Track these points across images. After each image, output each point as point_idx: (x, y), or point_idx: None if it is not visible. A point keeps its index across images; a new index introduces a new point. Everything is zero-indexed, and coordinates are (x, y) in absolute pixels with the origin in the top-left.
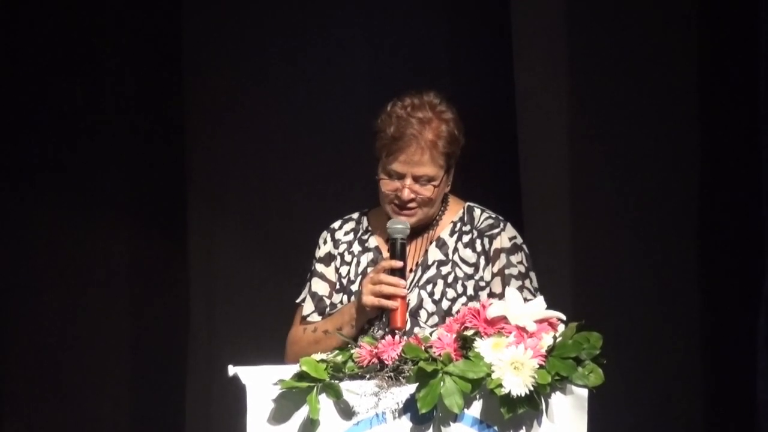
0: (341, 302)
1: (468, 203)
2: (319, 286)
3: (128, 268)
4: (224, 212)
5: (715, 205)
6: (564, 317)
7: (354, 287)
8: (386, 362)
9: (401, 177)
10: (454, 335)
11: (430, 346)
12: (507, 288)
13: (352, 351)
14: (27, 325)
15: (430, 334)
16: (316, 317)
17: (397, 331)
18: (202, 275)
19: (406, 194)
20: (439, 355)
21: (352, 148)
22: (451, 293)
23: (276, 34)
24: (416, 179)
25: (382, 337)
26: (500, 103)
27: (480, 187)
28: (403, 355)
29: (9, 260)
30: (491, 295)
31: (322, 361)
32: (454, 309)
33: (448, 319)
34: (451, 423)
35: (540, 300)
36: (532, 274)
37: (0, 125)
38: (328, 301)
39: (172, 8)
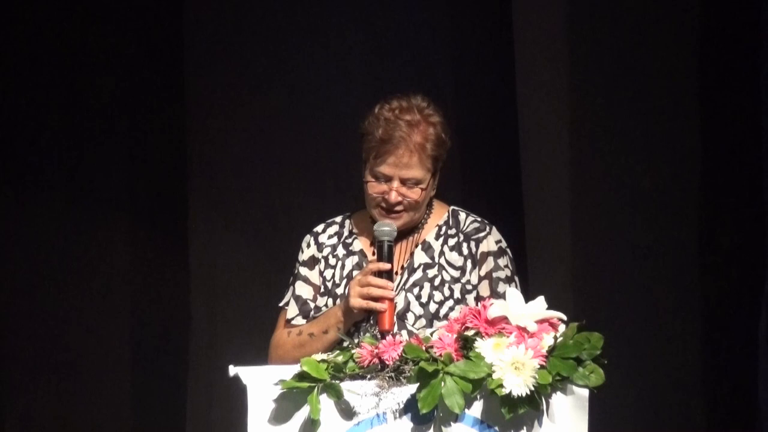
0: (326, 305)
1: (452, 207)
2: (303, 290)
3: (128, 268)
4: (225, 212)
5: (715, 205)
6: (565, 317)
7: (339, 290)
8: (387, 362)
9: (389, 180)
10: (455, 335)
11: (431, 347)
12: (508, 288)
13: (353, 351)
14: (27, 325)
15: (431, 334)
16: (300, 320)
17: (385, 334)
18: (202, 275)
19: (394, 197)
20: (440, 355)
21: (353, 149)
22: (438, 296)
23: (277, 35)
24: (403, 182)
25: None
26: (500, 103)
27: (480, 188)
28: (403, 355)
29: (9, 260)
30: (478, 298)
31: (323, 361)
32: (442, 312)
33: (435, 322)
34: (451, 423)
35: (541, 300)
36: (517, 278)
37: (0, 126)
38: (312, 305)
39: (172, 9)
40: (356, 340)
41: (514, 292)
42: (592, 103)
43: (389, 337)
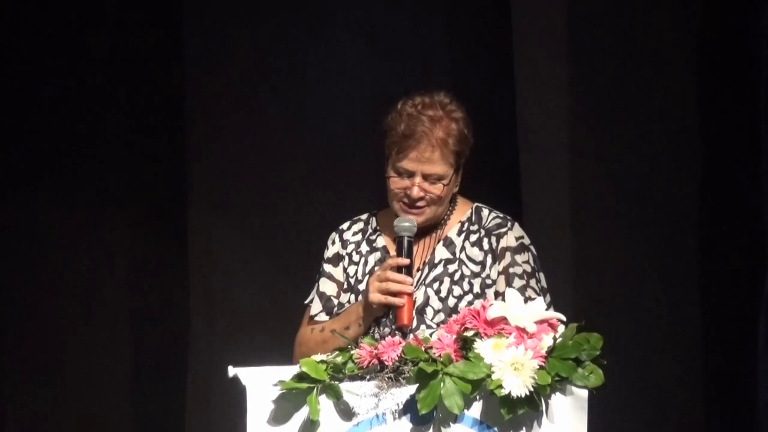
0: (349, 302)
1: (476, 204)
2: (327, 287)
3: (128, 268)
4: (224, 212)
5: (715, 206)
6: (564, 318)
7: (361, 287)
8: (386, 363)
9: (411, 175)
10: (454, 336)
11: (430, 347)
12: (508, 288)
13: (352, 352)
14: (27, 325)
15: (431, 335)
16: (323, 317)
17: (404, 329)
18: (202, 275)
19: (416, 192)
20: (439, 356)
21: (352, 149)
22: (457, 291)
23: (276, 34)
24: (426, 177)
25: (386, 336)
26: (500, 104)
27: (480, 187)
28: (403, 356)
29: (9, 260)
30: (496, 293)
31: (322, 362)
32: (461, 306)
33: (453, 317)
34: (451, 424)
35: (540, 301)
36: (540, 275)
37: (0, 126)
38: (336, 301)
39: (172, 8)
40: (377, 335)
41: (513, 293)
42: (591, 103)
43: (388, 338)
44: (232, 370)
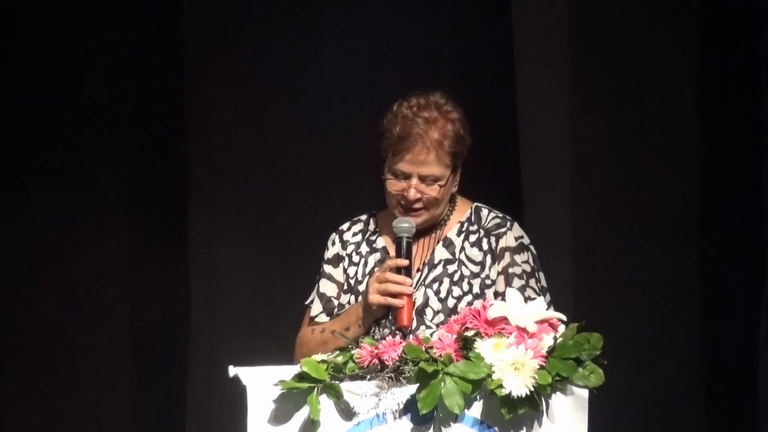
0: (349, 302)
1: (476, 203)
2: (327, 287)
3: (128, 268)
4: (224, 213)
5: (716, 206)
6: (564, 318)
7: (361, 287)
8: (387, 363)
9: (407, 177)
10: (455, 336)
11: (431, 347)
12: (508, 288)
13: (353, 352)
14: (27, 325)
15: (431, 334)
16: (324, 318)
17: (403, 330)
18: (202, 276)
19: (413, 194)
20: (440, 355)
21: (353, 150)
22: (456, 291)
23: (277, 35)
24: (422, 179)
25: (387, 337)
26: (500, 103)
27: (480, 188)
28: (403, 355)
29: (10, 260)
30: (496, 293)
31: (323, 361)
32: (460, 307)
33: (453, 317)
34: (451, 423)
35: (540, 300)
36: (540, 274)
37: (0, 125)
38: (336, 302)
39: (172, 8)
40: (377, 336)
41: (513, 292)
42: (592, 102)
43: (389, 338)
44: (232, 370)
